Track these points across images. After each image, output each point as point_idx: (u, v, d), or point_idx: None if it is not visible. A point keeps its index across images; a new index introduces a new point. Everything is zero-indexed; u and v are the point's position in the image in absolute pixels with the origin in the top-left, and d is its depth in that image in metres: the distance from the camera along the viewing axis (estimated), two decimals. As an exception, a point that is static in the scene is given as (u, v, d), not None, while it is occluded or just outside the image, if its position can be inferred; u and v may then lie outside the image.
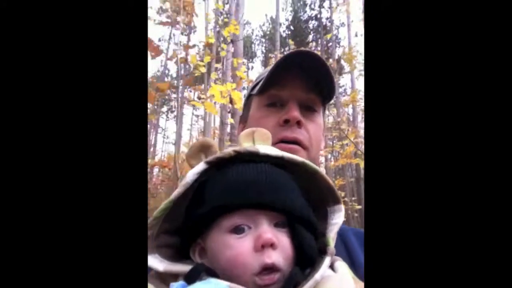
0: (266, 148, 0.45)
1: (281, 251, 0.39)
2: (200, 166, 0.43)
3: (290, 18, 15.88)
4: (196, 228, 0.42)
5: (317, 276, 0.38)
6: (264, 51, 16.72)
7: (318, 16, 14.48)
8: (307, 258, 0.39)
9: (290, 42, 9.42)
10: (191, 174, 0.43)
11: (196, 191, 0.43)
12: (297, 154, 0.58)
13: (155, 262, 0.40)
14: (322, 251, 0.41)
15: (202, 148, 0.46)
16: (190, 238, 0.43)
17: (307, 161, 0.45)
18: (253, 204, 0.39)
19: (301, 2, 15.43)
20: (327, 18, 13.66)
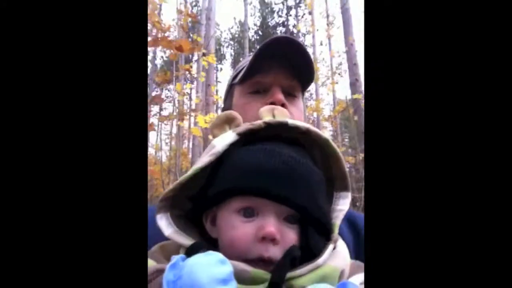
0: (293, 120, 0.45)
1: (282, 247, 0.39)
2: (231, 137, 0.43)
3: (258, 23, 16.23)
4: (212, 200, 0.42)
5: (320, 261, 0.39)
6: (233, 53, 16.88)
7: (286, 23, 14.98)
8: (311, 254, 0.39)
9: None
10: (222, 144, 0.43)
11: (220, 162, 0.43)
12: None
13: (164, 224, 0.41)
14: (327, 239, 0.41)
15: (227, 120, 0.47)
16: (204, 207, 0.44)
17: (331, 141, 0.45)
18: (268, 195, 0.39)
19: (269, 9, 15.84)
20: (293, 26, 14.19)
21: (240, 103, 0.69)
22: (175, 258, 0.34)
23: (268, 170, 0.39)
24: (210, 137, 0.50)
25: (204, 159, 0.42)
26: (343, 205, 0.44)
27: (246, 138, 0.44)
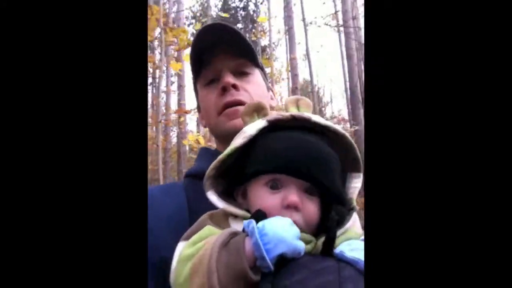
0: (316, 117, 0.52)
1: (304, 215, 0.47)
2: (261, 123, 0.51)
3: (219, 5, 16.62)
4: (244, 176, 0.51)
5: (347, 225, 0.49)
6: (194, 32, 17.08)
7: (246, 7, 15.62)
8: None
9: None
10: (253, 129, 0.51)
11: (250, 145, 0.51)
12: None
13: (215, 199, 0.50)
14: (350, 209, 0.51)
15: (257, 109, 0.55)
16: (237, 183, 0.53)
17: (347, 135, 0.52)
18: (290, 172, 0.47)
19: (231, -9, 16.28)
20: (254, 11, 14.94)
21: (201, 97, 0.76)
22: (251, 223, 0.42)
23: (290, 152, 0.47)
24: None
25: (238, 141, 0.51)
26: (357, 183, 0.53)
27: (274, 125, 0.51)
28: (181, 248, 0.47)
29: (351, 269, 0.41)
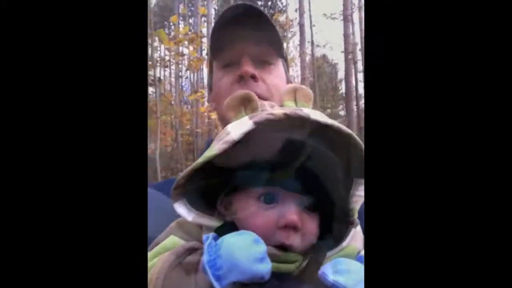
0: (315, 114, 0.42)
1: (302, 235, 0.41)
2: (248, 125, 0.41)
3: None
4: (230, 185, 0.44)
5: (344, 244, 0.42)
6: (217, 7, 17.69)
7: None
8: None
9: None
10: (238, 133, 0.41)
11: (239, 150, 0.41)
12: None
13: (184, 211, 0.42)
14: (349, 222, 0.43)
15: (243, 101, 0.46)
16: (219, 191, 0.45)
17: (354, 134, 0.42)
18: (288, 188, 0.41)
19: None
20: (273, -13, 15.39)
21: (216, 79, 0.71)
22: (209, 238, 0.36)
23: (287, 162, 0.41)
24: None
25: (218, 147, 0.41)
26: (362, 191, 0.43)
27: (265, 127, 0.42)
28: None
29: None
